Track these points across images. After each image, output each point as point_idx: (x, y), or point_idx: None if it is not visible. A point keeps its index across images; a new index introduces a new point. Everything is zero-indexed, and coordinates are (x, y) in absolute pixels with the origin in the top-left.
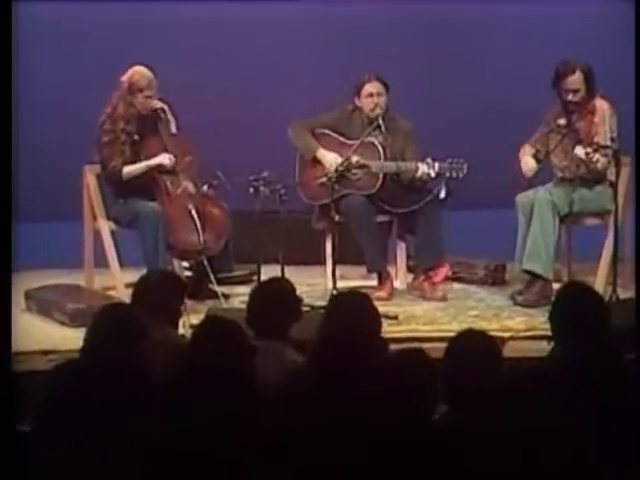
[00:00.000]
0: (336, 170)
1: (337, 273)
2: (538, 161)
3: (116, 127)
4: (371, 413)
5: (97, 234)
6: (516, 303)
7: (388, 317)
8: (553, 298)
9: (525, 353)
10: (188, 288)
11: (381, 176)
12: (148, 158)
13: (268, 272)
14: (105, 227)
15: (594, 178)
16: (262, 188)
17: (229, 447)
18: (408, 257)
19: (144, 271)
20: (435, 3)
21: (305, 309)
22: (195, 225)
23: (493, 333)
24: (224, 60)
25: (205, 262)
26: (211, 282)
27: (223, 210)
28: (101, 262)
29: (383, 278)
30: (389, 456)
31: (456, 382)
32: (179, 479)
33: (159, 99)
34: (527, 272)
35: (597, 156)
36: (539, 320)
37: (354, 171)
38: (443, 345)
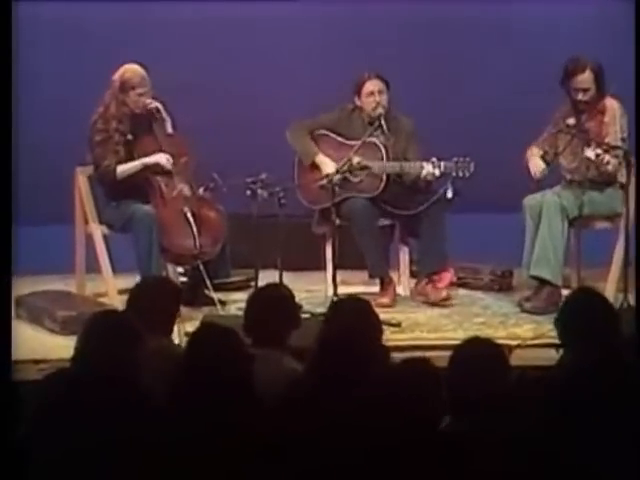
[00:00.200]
0: (337, 172)
1: (338, 279)
2: (546, 163)
3: (109, 126)
4: (374, 421)
5: (89, 238)
6: (523, 310)
7: (391, 324)
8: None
9: (533, 361)
10: (183, 294)
11: (384, 177)
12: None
13: (266, 278)
14: (97, 231)
15: (604, 180)
16: (260, 191)
17: (226, 455)
18: (411, 262)
19: (137, 277)
20: (435, 3)
21: (305, 316)
22: (191, 229)
23: (500, 341)
24: (224, 60)
25: (201, 267)
26: (207, 288)
27: (220, 213)
28: (93, 267)
29: (385, 284)
30: (391, 463)
31: (461, 391)
32: None
33: (153, 98)
34: (535, 278)
35: (607, 157)
36: (547, 328)
37: (356, 173)
38: (448, 353)
